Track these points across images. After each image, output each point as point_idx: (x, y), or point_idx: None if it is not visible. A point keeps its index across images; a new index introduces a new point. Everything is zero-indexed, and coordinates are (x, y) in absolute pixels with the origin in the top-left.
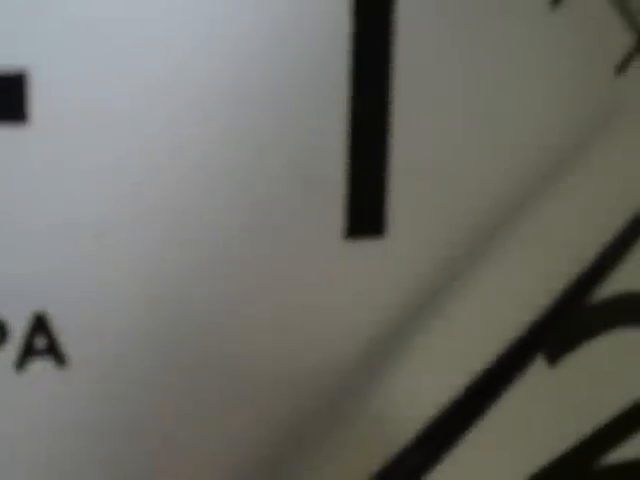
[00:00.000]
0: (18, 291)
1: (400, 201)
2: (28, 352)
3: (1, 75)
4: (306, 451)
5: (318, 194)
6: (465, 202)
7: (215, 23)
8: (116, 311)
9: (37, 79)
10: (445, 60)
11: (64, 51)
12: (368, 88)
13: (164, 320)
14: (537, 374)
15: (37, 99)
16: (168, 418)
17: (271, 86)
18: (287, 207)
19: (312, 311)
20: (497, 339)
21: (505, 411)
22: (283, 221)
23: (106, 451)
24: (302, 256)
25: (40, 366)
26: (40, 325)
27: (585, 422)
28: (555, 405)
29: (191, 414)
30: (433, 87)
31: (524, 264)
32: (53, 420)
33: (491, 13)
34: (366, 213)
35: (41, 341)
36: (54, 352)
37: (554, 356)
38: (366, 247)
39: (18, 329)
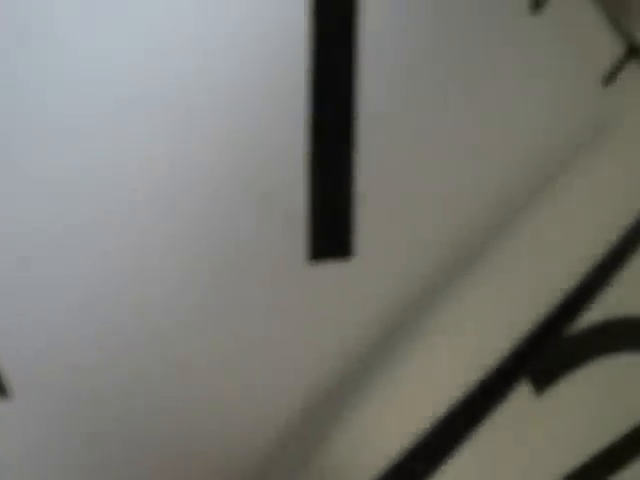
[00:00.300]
0: None
1: (368, 222)
2: None
3: None
4: None
5: (278, 215)
6: (436, 221)
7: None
8: (60, 344)
9: None
10: (417, 74)
11: None
12: (330, 101)
13: (111, 350)
14: (524, 404)
15: None
16: (111, 449)
17: (227, 100)
18: (245, 229)
19: (274, 340)
20: (470, 368)
21: (490, 441)
22: (242, 244)
23: None
24: (263, 280)
25: None
26: None
27: (572, 454)
28: (541, 436)
29: (135, 443)
30: (402, 101)
31: (500, 287)
32: None
33: (470, 21)
34: (332, 235)
35: None
36: None
37: (541, 385)
38: (332, 270)
39: None
